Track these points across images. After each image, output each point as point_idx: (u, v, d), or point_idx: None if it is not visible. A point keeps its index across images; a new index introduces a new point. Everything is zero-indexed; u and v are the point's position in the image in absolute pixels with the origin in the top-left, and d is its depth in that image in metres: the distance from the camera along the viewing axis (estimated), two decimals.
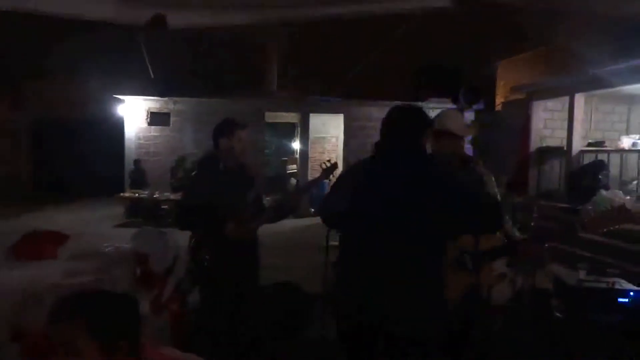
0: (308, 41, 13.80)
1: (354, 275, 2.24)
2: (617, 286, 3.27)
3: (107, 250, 6.33)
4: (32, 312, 3.00)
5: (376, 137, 2.35)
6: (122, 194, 11.44)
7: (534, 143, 10.01)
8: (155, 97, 13.11)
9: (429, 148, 2.36)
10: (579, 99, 8.79)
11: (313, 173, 13.14)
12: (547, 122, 10.18)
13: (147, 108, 13.37)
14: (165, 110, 13.41)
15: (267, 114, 13.46)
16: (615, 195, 7.27)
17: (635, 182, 8.25)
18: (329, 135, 14.57)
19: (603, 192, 7.51)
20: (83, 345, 1.42)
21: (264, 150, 13.81)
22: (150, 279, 3.64)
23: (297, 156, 14.12)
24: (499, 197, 3.01)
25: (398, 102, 2.61)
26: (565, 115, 9.18)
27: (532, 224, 3.54)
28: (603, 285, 3.35)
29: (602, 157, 8.72)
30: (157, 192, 11.02)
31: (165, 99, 13.15)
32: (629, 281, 3.41)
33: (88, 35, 10.23)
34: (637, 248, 5.42)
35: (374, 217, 2.17)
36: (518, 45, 11.40)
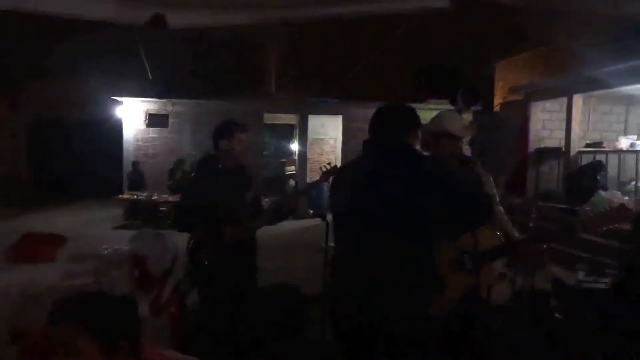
0: (307, 42, 13.81)
1: (345, 274, 2.26)
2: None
3: (105, 252, 6.32)
4: (31, 313, 2.99)
5: None
6: (120, 196, 11.42)
7: (532, 144, 10.03)
8: (153, 99, 13.10)
9: (419, 147, 2.37)
10: (577, 99, 8.82)
11: (312, 174, 13.15)
12: (545, 123, 10.20)
13: (145, 110, 13.37)
14: (163, 112, 13.41)
15: (265, 115, 13.47)
16: (613, 196, 7.29)
17: (633, 182, 8.26)
18: (327, 136, 14.58)
19: (601, 192, 7.53)
20: (83, 345, 1.42)
21: (263, 152, 13.81)
22: (149, 281, 3.63)
23: (296, 157, 14.12)
24: (497, 197, 3.02)
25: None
26: (564, 116, 9.20)
27: (530, 225, 3.54)
28: (602, 286, 3.35)
29: (600, 157, 8.74)
30: (155, 194, 11.01)
31: (164, 100, 13.15)
32: None
33: (87, 35, 10.23)
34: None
35: (362, 215, 2.18)
36: (516, 46, 11.43)
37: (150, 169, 12.72)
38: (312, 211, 10.75)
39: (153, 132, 13.43)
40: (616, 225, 2.35)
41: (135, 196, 11.11)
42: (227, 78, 15.15)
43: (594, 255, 5.64)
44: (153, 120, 13.39)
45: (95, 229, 9.89)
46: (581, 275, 3.79)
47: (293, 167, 14.06)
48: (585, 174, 8.35)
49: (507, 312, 3.62)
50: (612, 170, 8.66)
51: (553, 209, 7.76)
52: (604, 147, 9.03)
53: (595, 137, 9.62)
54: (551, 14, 8.28)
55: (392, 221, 2.11)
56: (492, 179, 2.93)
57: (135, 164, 12.54)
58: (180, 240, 3.42)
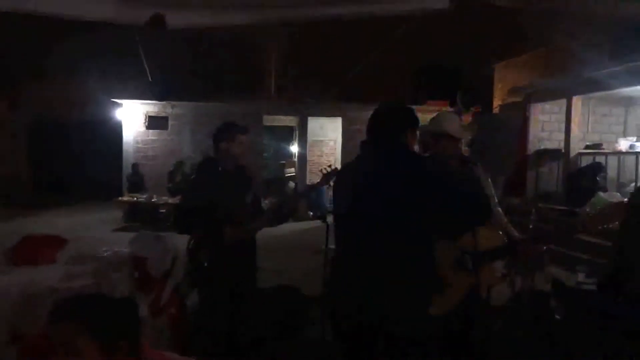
0: (307, 43, 13.83)
1: (345, 274, 2.26)
2: None
3: (105, 254, 6.31)
4: (32, 314, 2.99)
5: None
6: (120, 198, 11.42)
7: (532, 145, 10.03)
8: (153, 101, 13.11)
9: (417, 147, 2.38)
10: (577, 101, 8.83)
11: (311, 176, 13.15)
12: (544, 125, 10.21)
13: (145, 112, 13.38)
14: (163, 114, 13.42)
15: (265, 117, 13.48)
16: (613, 198, 7.29)
17: (632, 184, 8.27)
18: (327, 138, 14.60)
19: (601, 194, 7.53)
20: (83, 345, 1.42)
21: (263, 153, 13.82)
22: (149, 283, 3.63)
23: (296, 159, 14.13)
24: (495, 198, 3.02)
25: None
26: (563, 117, 9.21)
27: (530, 226, 3.54)
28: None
29: (600, 159, 8.75)
30: (155, 196, 11.00)
31: (164, 102, 13.16)
32: None
33: (87, 36, 10.23)
34: None
35: (360, 216, 2.19)
36: (516, 48, 11.44)
37: (149, 171, 12.72)
38: (312, 213, 10.76)
39: (153, 134, 13.44)
40: (616, 224, 2.35)
41: (135, 198, 11.10)
42: (227, 79, 15.16)
43: (594, 257, 5.64)
44: (153, 122, 13.40)
45: (95, 231, 9.88)
46: (581, 276, 3.80)
47: (293, 169, 14.07)
48: (584, 176, 8.36)
49: (507, 312, 3.62)
50: (611, 172, 8.67)
51: (553, 210, 7.76)
52: (603, 149, 9.03)
53: (594, 138, 9.63)
54: (550, 15, 8.30)
55: (390, 221, 2.11)
56: (490, 180, 2.94)
57: (135, 166, 12.54)
58: (180, 241, 3.42)
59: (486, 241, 2.60)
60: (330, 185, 3.42)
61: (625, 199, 7.19)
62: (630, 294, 2.13)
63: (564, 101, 9.07)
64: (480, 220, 2.40)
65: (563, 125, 9.18)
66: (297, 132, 14.22)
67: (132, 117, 13.35)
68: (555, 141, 9.93)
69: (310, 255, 6.35)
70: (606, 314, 2.16)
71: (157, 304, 3.58)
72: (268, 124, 13.94)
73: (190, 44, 14.63)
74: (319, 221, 3.66)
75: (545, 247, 3.28)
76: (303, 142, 13.70)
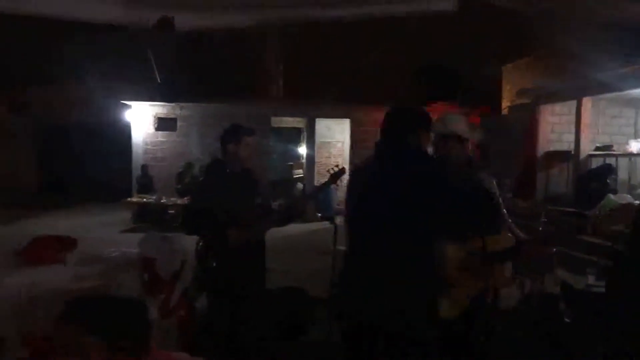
0: (314, 44, 13.84)
1: (356, 275, 2.26)
2: None
3: (113, 255, 6.37)
4: (41, 315, 3.02)
5: None
6: (129, 199, 11.48)
7: (541, 147, 9.96)
8: (162, 103, 13.18)
9: (430, 150, 2.38)
10: (586, 102, 8.75)
11: (319, 178, 13.15)
12: (554, 126, 10.13)
13: (154, 113, 13.45)
14: (172, 116, 13.49)
15: (273, 118, 13.50)
16: (623, 200, 7.23)
17: None
18: (335, 140, 14.59)
19: (611, 196, 7.46)
20: (89, 346, 1.42)
21: (270, 155, 13.84)
22: (158, 284, 3.65)
23: (304, 161, 14.14)
24: (500, 200, 3.00)
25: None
26: (573, 119, 9.13)
27: (539, 229, 3.52)
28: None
29: (610, 161, 8.67)
30: (164, 197, 11.06)
31: (172, 104, 13.22)
32: None
33: (97, 38, 10.31)
34: None
35: (373, 216, 2.19)
36: (524, 48, 11.38)
37: (158, 172, 12.79)
38: (320, 214, 10.75)
39: (162, 135, 13.51)
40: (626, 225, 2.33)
41: (144, 199, 11.17)
42: (235, 81, 15.20)
43: (604, 260, 5.59)
44: (162, 123, 13.47)
45: (103, 232, 9.95)
46: (591, 279, 3.76)
47: (301, 171, 14.08)
48: (595, 178, 8.29)
49: (516, 314, 3.60)
50: (622, 174, 8.58)
51: (562, 212, 7.70)
52: (613, 151, 8.95)
53: (605, 140, 9.55)
54: (559, 16, 8.25)
55: (401, 223, 2.11)
56: (495, 182, 2.92)
57: (144, 167, 12.61)
58: (189, 243, 3.43)
59: (494, 243, 2.59)
60: (337, 185, 3.43)
61: (637, 202, 7.12)
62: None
63: (573, 102, 9.00)
64: (489, 223, 2.39)
65: (573, 127, 9.11)
66: (305, 133, 14.23)
67: (141, 118, 13.42)
68: (565, 143, 9.85)
69: (318, 257, 6.35)
70: (612, 316, 2.14)
71: (166, 305, 3.60)
72: (276, 125, 13.97)
73: (198, 46, 14.69)
74: (327, 222, 3.66)
75: (554, 249, 3.26)
76: (311, 144, 13.70)
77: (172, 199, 10.94)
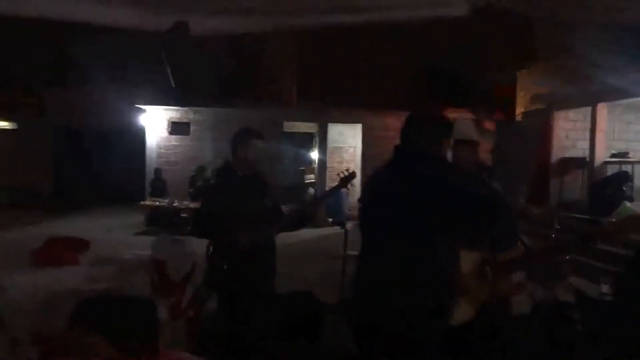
0: (328, 49, 13.86)
1: (369, 280, 2.26)
2: None
3: (127, 257, 6.42)
4: (53, 315, 3.05)
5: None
6: (142, 202, 11.59)
7: (556, 153, 9.86)
8: (176, 107, 13.30)
9: (449, 156, 2.37)
10: (602, 108, 8.65)
11: (331, 183, 13.15)
12: (568, 133, 10.03)
13: (168, 117, 13.58)
14: (185, 120, 13.60)
15: (285, 123, 13.55)
16: (639, 207, 7.12)
17: None
18: (347, 145, 14.59)
19: (627, 203, 7.37)
20: (96, 346, 1.44)
21: (282, 160, 13.88)
22: (168, 286, 3.68)
23: (315, 166, 14.15)
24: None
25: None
26: (588, 125, 9.03)
27: (552, 236, 3.48)
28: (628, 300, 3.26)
29: (626, 168, 8.55)
30: (176, 201, 11.15)
31: (186, 108, 13.34)
32: None
33: (110, 43, 10.42)
34: None
35: (387, 221, 2.19)
36: (538, 54, 11.29)
37: (172, 176, 12.89)
38: (331, 219, 10.75)
39: (175, 139, 13.62)
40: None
41: (157, 203, 11.27)
42: (248, 86, 15.27)
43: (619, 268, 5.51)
44: (175, 128, 13.59)
45: (117, 235, 10.05)
46: (605, 288, 3.71)
47: (312, 176, 14.09)
48: (610, 185, 8.18)
49: (526, 322, 3.56)
50: (638, 181, 8.46)
51: (575, 219, 7.61)
52: (629, 157, 8.83)
53: (620, 147, 9.42)
54: (572, 22, 8.18)
55: (417, 229, 2.11)
56: (500, 189, 2.91)
57: (157, 171, 12.72)
58: (201, 246, 3.45)
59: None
60: (348, 189, 3.43)
61: None
62: None
63: (588, 109, 8.90)
64: (511, 243, 2.34)
65: (588, 133, 9.00)
66: (317, 138, 14.25)
67: (155, 122, 13.56)
68: (579, 149, 9.74)
69: (328, 261, 6.34)
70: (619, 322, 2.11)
71: (177, 307, 3.62)
72: (288, 130, 14.01)
73: (213, 50, 14.78)
74: (337, 227, 3.66)
75: (567, 257, 3.22)
76: (323, 149, 13.72)
77: (185, 202, 11.03)
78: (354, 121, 13.71)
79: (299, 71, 14.19)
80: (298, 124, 14.25)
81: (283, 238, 3.28)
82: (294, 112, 13.71)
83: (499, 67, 12.77)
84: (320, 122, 13.62)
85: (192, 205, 10.50)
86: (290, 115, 13.65)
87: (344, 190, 3.47)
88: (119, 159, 13.85)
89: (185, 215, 10.81)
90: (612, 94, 8.17)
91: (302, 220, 3.47)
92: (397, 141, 2.40)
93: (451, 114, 11.25)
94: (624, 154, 8.97)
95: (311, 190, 13.28)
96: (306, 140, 15.12)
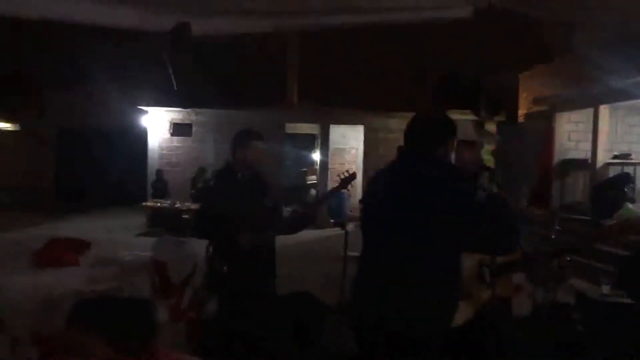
0: (330, 50, 13.89)
1: (371, 282, 2.25)
2: None
3: (128, 258, 6.43)
4: (53, 316, 3.05)
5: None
6: (144, 204, 11.61)
7: (558, 155, 9.84)
8: (178, 109, 13.32)
9: (452, 158, 2.35)
10: (604, 110, 8.63)
11: (333, 184, 13.14)
12: (570, 134, 10.00)
13: (170, 119, 13.60)
14: (187, 121, 13.62)
15: (287, 125, 13.56)
16: None
17: None
18: (348, 146, 14.60)
19: (629, 205, 7.35)
20: (95, 347, 1.44)
21: (284, 161, 13.88)
22: (169, 287, 3.68)
23: (317, 167, 14.15)
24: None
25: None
26: (590, 126, 9.01)
27: (552, 237, 3.47)
28: (627, 300, 3.26)
29: (628, 169, 8.53)
30: (178, 202, 11.17)
31: (188, 110, 13.36)
32: None
33: (113, 44, 10.44)
34: None
35: (389, 222, 2.18)
36: (541, 56, 11.28)
37: (173, 177, 12.91)
38: (332, 220, 10.75)
39: (177, 141, 13.64)
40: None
41: (159, 204, 11.28)
42: (250, 87, 15.29)
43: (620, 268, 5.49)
44: (177, 129, 13.62)
45: (119, 236, 10.06)
46: (605, 289, 3.69)
47: (314, 177, 14.08)
48: (612, 186, 8.15)
49: (527, 324, 3.55)
50: None
51: (578, 221, 7.59)
52: (632, 159, 8.80)
53: (623, 148, 9.39)
54: (575, 24, 8.17)
55: (419, 231, 2.10)
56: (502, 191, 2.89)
57: (159, 172, 12.74)
58: (202, 247, 3.45)
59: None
60: (349, 190, 3.43)
61: None
62: None
63: (591, 110, 8.88)
64: (511, 247, 2.32)
65: (590, 135, 8.98)
66: (319, 140, 14.25)
67: (157, 124, 13.58)
68: (582, 151, 9.71)
69: (329, 262, 6.34)
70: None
71: (177, 308, 3.63)
72: (290, 131, 14.02)
73: (214, 52, 14.80)
74: (338, 229, 3.66)
75: (568, 259, 3.21)
76: (325, 150, 13.73)
77: (186, 203, 11.04)
78: (356, 122, 13.71)
79: (301, 72, 14.20)
80: (300, 125, 14.26)
81: (283, 239, 3.27)
82: (296, 114, 13.72)
83: (501, 69, 12.77)
84: (322, 124, 13.62)
85: (194, 206, 10.52)
86: (293, 117, 13.66)
87: (345, 191, 3.46)
88: (121, 160, 13.88)
89: (186, 216, 10.82)
90: (615, 96, 8.15)
91: (303, 222, 3.46)
92: (400, 142, 2.39)
93: (453, 115, 11.24)
94: (626, 156, 8.94)
95: (313, 192, 13.28)
96: (308, 142, 15.12)
